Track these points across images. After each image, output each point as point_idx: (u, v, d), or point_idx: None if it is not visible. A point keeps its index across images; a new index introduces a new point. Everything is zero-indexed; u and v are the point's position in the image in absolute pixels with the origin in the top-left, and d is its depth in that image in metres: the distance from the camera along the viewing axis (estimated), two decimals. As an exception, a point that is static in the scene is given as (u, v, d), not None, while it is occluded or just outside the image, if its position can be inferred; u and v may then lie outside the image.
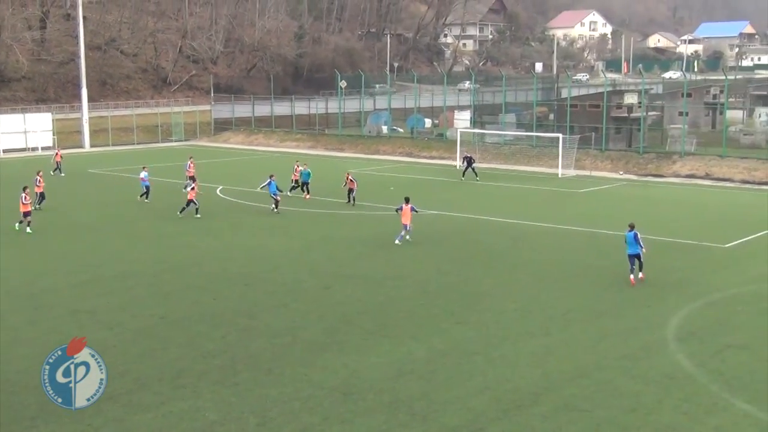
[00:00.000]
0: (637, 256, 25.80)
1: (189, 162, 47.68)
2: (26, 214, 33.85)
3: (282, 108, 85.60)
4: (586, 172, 56.22)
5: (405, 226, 31.95)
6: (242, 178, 49.07)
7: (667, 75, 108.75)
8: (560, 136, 56.85)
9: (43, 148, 70.71)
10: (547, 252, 31.06)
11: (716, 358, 19.33)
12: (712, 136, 65.21)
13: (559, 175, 54.75)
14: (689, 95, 68.21)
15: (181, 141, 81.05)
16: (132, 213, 39.34)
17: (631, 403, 16.62)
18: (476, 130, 67.10)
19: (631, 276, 25.82)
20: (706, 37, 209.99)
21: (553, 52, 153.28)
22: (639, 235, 25.84)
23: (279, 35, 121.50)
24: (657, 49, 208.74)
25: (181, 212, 37.90)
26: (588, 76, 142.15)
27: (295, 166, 46.25)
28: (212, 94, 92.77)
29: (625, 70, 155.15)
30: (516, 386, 17.50)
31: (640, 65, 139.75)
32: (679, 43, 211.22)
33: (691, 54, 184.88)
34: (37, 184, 39.88)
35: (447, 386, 17.46)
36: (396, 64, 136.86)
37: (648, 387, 17.48)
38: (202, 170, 44.07)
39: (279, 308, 23.32)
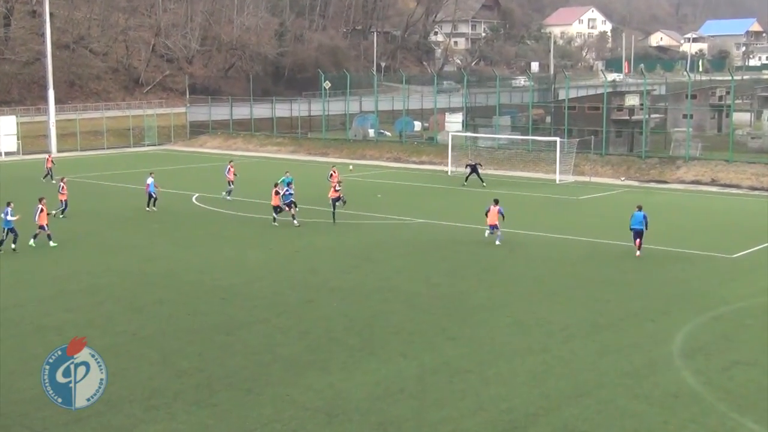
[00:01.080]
0: (640, 234, 31.31)
1: (229, 166, 47.12)
2: (42, 227, 33.27)
3: (262, 110, 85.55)
4: (586, 178, 56.35)
5: (491, 227, 33.96)
6: (220, 185, 48.89)
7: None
8: (558, 139, 57.00)
9: (6, 153, 70.39)
10: (544, 263, 31.06)
11: (724, 375, 19.34)
12: (718, 139, 65.52)
13: (557, 182, 54.87)
14: (694, 97, 68.55)
15: (155, 145, 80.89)
16: (101, 222, 39.16)
17: (635, 424, 16.60)
18: (469, 134, 67.22)
19: (638, 252, 31.40)
20: (711, 36, 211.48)
21: (549, 50, 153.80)
22: (647, 218, 31.48)
23: (259, 33, 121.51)
24: (659, 48, 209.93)
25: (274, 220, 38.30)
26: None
27: (229, 167, 46.61)
28: (187, 96, 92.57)
29: (626, 70, 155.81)
30: (512, 406, 17.45)
31: (642, 65, 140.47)
32: (682, 41, 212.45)
33: (696, 53, 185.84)
34: (61, 191, 40.14)
35: (438, 406, 17.40)
36: (383, 64, 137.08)
37: (652, 407, 17.47)
38: (176, 177, 43.93)
39: (258, 324, 23.23)
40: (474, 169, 53.16)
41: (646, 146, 61.06)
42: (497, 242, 33.79)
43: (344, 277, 28.85)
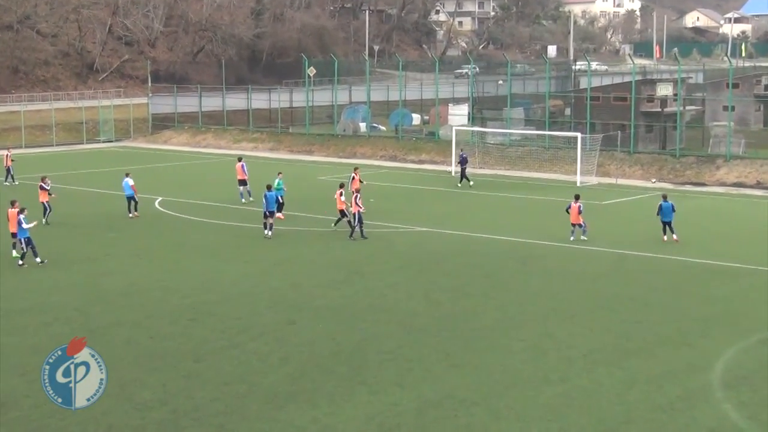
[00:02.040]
0: (669, 223, 35.92)
1: (353, 174, 45.76)
2: (13, 234, 33.22)
3: (236, 101, 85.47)
4: (611, 180, 56.40)
5: (576, 225, 36.57)
6: (187, 188, 48.95)
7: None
8: (579, 135, 57.02)
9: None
10: (562, 278, 31.07)
11: (772, 408, 19.38)
12: (764, 135, 65.71)
13: (578, 184, 54.87)
14: (736, 86, 68.75)
15: (111, 142, 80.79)
16: (49, 231, 39.02)
17: (668, 465, 16.60)
18: (476, 128, 67.25)
19: (665, 236, 36.16)
20: (756, 15, 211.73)
21: (569, 32, 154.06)
22: (674, 206, 36.13)
23: (232, 11, 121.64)
24: (696, 30, 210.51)
25: (351, 235, 37.33)
26: (605, 67, 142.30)
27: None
28: (149, 84, 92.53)
29: (658, 55, 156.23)
30: (526, 445, 17.44)
31: (676, 49, 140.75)
32: (722, 22, 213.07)
33: (738, 35, 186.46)
34: (44, 191, 40.35)
35: (440, 445, 17.39)
36: (376, 47, 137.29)
37: (688, 445, 17.48)
38: (137, 179, 43.86)
39: (232, 349, 23.19)
40: (463, 162, 53.66)
41: (680, 143, 61.12)
42: (583, 237, 36.60)
43: (331, 294, 28.80)
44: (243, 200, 46.09)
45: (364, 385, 20.61)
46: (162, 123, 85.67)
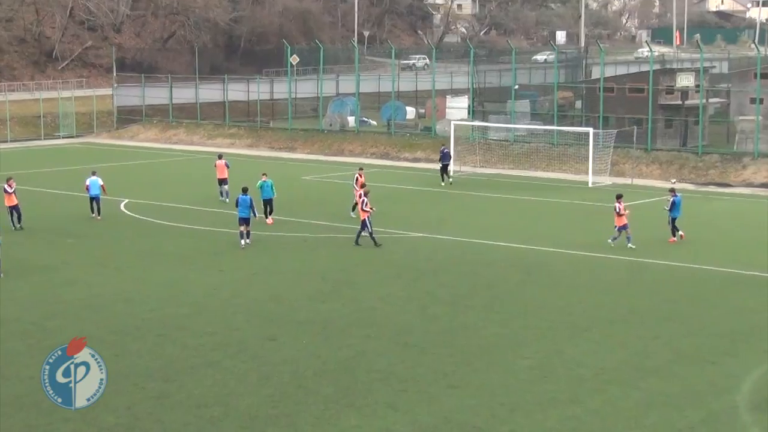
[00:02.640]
0: (674, 219, 37.83)
1: (357, 174, 45.18)
2: None
3: (211, 92, 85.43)
4: (626, 180, 56.44)
5: (619, 228, 36.93)
6: (156, 189, 48.89)
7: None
8: (591, 130, 57.10)
9: None
10: (572, 289, 31.09)
11: (804, 433, 19.39)
12: (795, 130, 65.71)
13: (590, 184, 54.94)
14: (765, 76, 68.77)
15: (72, 137, 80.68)
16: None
17: (690, 497, 16.60)
18: (476, 123, 67.25)
19: (673, 237, 37.94)
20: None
21: (580, 16, 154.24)
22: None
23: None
24: (720, 14, 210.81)
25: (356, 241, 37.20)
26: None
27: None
28: (115, 74, 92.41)
29: (678, 42, 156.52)
30: (532, 474, 17.44)
31: (698, 35, 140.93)
32: (749, 5, 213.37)
33: (767, 20, 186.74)
34: (7, 193, 40.34)
35: (437, 474, 17.38)
36: (367, 33, 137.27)
37: (712, 474, 17.49)
38: (101, 178, 43.81)
39: (205, 368, 23.14)
40: (444, 158, 54.13)
41: (703, 139, 61.19)
42: (629, 245, 36.50)
43: (316, 307, 28.77)
44: (223, 199, 46.62)
45: (352, 407, 20.57)
46: (128, 117, 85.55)
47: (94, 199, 42.40)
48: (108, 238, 38.93)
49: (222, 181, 47.18)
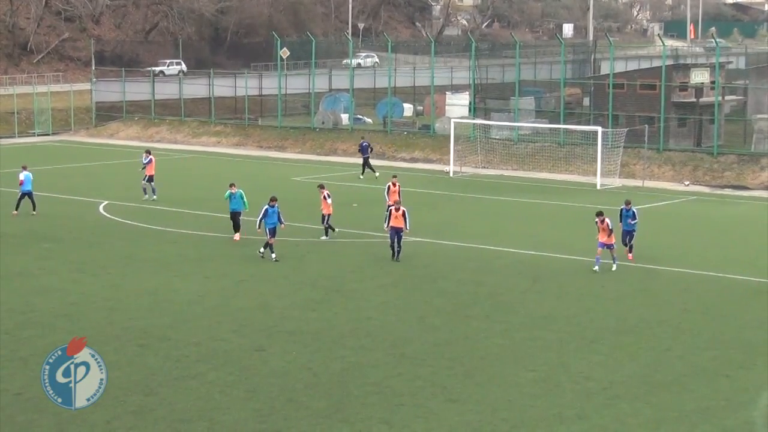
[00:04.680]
0: (630, 234, 36.04)
1: (390, 184, 44.45)
2: None
3: (195, 87, 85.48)
4: (637, 182, 56.52)
5: (604, 246, 34.46)
6: (137, 190, 48.81)
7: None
8: (599, 129, 57.16)
9: None
10: (579, 298, 31.13)
11: (825, 451, 19.44)
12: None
13: (598, 186, 55.00)
14: (784, 72, 68.97)
15: (48, 135, 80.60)
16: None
17: None
18: (478, 121, 67.31)
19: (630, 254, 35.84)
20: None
21: (588, 8, 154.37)
22: (637, 215, 36.09)
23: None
24: (737, 6, 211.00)
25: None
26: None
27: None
28: (93, 68, 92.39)
29: (692, 36, 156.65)
30: (536, 494, 17.47)
31: (713, 28, 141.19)
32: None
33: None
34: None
35: (435, 494, 17.41)
36: (361, 25, 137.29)
37: (727, 494, 17.53)
38: (77, 179, 43.86)
39: (189, 380, 23.15)
40: (365, 151, 55.80)
41: (718, 139, 61.25)
42: (614, 267, 34.52)
43: (306, 316, 28.78)
44: (146, 197, 47.90)
45: (345, 423, 20.59)
46: (108, 113, 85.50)
47: (27, 194, 43.12)
48: (86, 243, 38.91)
49: (150, 179, 48.02)
